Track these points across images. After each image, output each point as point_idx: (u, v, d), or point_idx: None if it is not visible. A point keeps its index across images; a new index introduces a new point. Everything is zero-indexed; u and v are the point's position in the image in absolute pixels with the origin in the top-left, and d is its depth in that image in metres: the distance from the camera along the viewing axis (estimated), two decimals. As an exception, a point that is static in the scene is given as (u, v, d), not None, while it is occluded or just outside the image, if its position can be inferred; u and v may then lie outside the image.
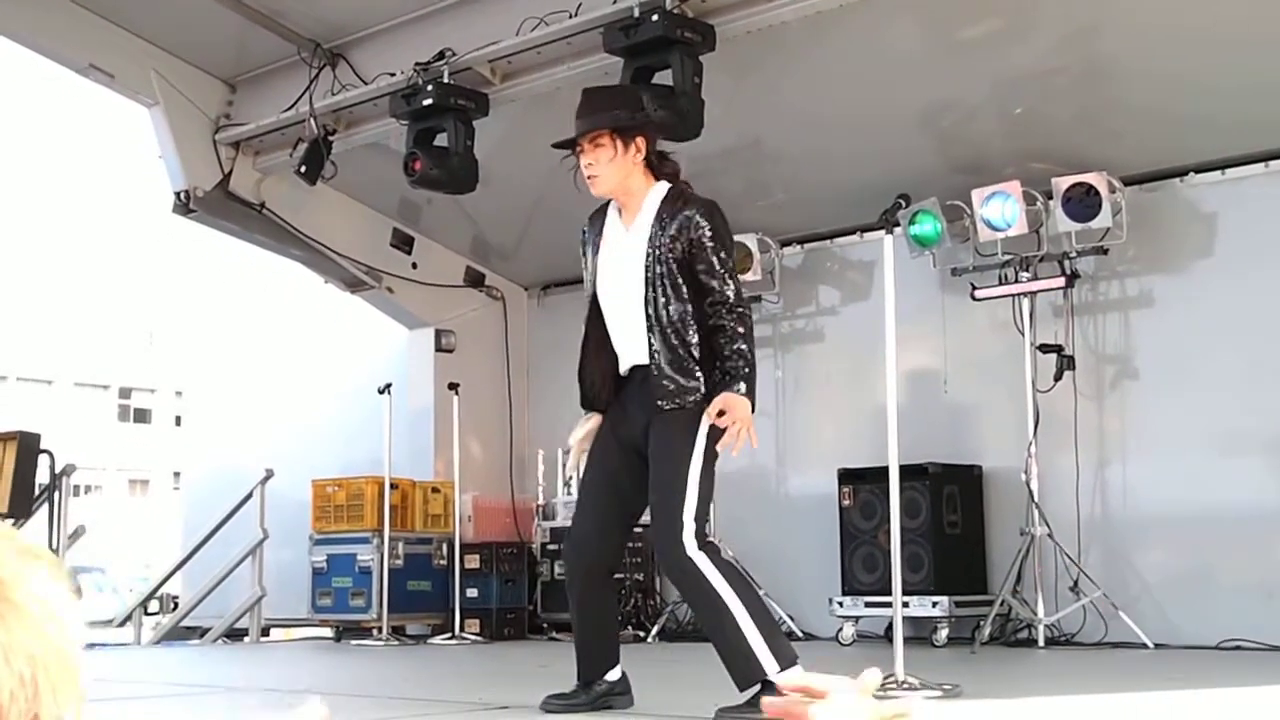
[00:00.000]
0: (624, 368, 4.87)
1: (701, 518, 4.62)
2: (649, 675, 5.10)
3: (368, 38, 9.17)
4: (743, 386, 4.62)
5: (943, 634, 8.20)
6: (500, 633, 9.88)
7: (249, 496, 10.46)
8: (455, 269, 11.20)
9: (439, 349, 10.92)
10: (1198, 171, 8.29)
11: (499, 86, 8.46)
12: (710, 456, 4.68)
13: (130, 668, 7.91)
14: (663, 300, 4.72)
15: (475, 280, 11.31)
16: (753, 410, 4.66)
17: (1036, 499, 8.14)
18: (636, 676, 4.95)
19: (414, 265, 10.87)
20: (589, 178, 4.85)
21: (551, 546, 10.09)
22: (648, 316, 4.73)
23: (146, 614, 11.67)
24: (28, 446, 9.62)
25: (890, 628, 5.81)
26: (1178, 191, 8.38)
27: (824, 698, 1.10)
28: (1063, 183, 8.07)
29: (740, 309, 4.72)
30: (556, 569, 9.95)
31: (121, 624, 11.34)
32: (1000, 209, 8.29)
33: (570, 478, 5.03)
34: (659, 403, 4.68)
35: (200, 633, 10.86)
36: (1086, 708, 5.40)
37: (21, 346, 42.39)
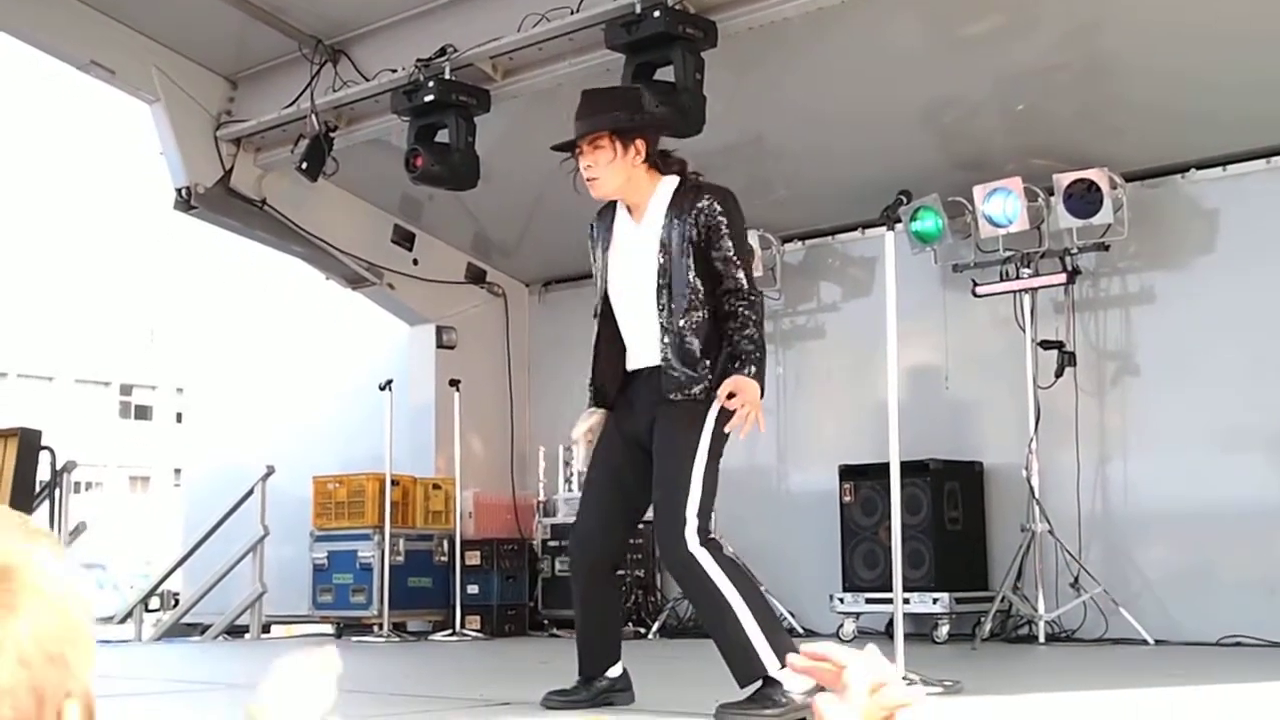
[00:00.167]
0: (632, 364, 4.86)
1: (705, 514, 4.61)
2: (650, 671, 5.10)
3: (369, 34, 9.17)
4: (752, 370, 4.62)
5: (943, 630, 8.21)
6: (501, 629, 9.89)
7: (250, 493, 10.46)
8: (456, 265, 11.20)
9: (440, 345, 10.92)
10: (1199, 168, 8.28)
11: (500, 83, 8.46)
12: (715, 453, 4.67)
13: (131, 664, 7.91)
14: (675, 295, 4.71)
15: (476, 277, 11.31)
16: (761, 396, 4.65)
17: (1037, 495, 8.14)
18: (637, 673, 4.95)
19: (415, 261, 10.87)
20: (588, 180, 4.83)
21: (552, 543, 10.10)
22: (660, 311, 4.72)
23: (147, 611, 11.67)
24: (28, 443, 9.61)
25: (891, 624, 5.81)
26: (1179, 188, 8.38)
27: (842, 669, 1.09)
28: (1064, 179, 8.07)
29: (752, 297, 4.72)
30: (557, 565, 9.96)
31: (122, 621, 11.34)
32: (1002, 205, 8.29)
33: (581, 471, 5.02)
34: (668, 394, 4.67)
35: (201, 629, 10.86)
36: (1087, 704, 5.40)
37: (22, 343, 42.40)
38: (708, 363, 4.68)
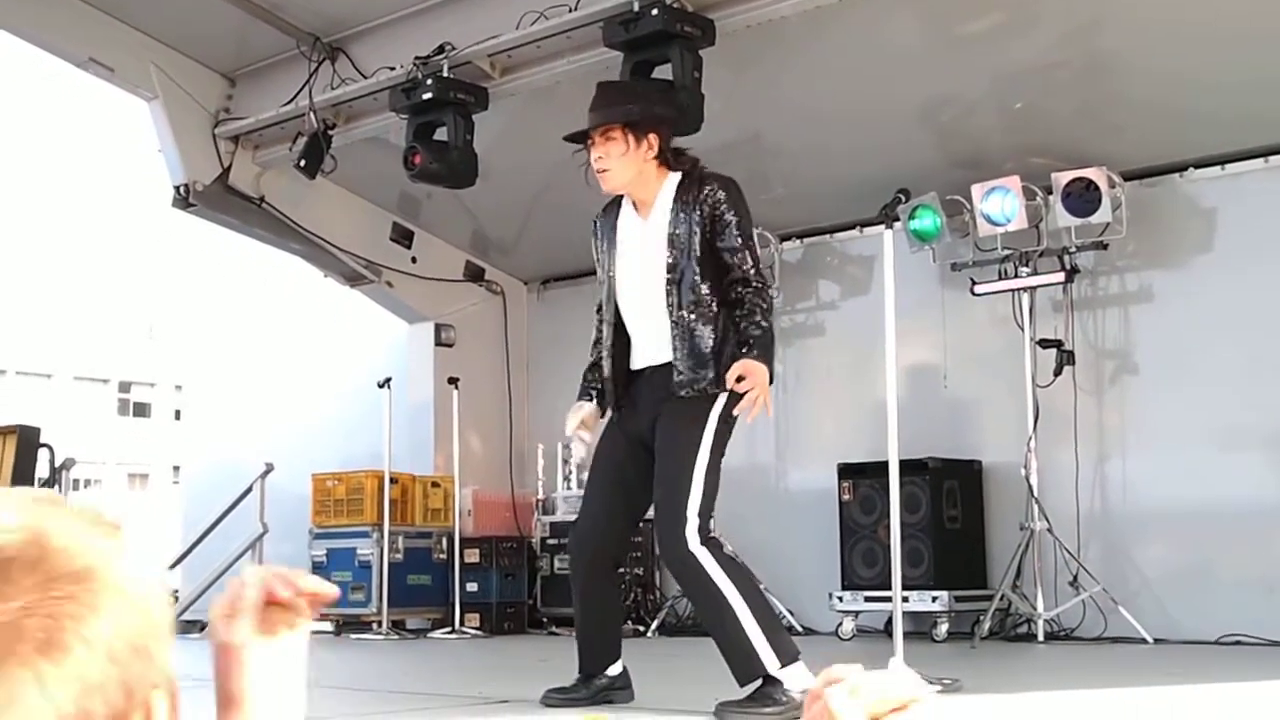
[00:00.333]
0: (638, 362, 4.85)
1: (706, 513, 4.61)
2: (649, 670, 5.10)
3: (367, 31, 9.16)
4: (760, 355, 4.60)
5: (942, 629, 8.21)
6: (500, 627, 9.89)
7: (249, 490, 10.46)
8: (455, 263, 11.19)
9: (439, 343, 10.91)
10: (1197, 166, 8.29)
11: (499, 80, 8.46)
12: (718, 452, 4.67)
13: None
14: (684, 290, 4.71)
15: (475, 274, 11.31)
16: (770, 381, 4.64)
17: (1036, 494, 8.14)
18: (636, 671, 4.96)
19: (413, 259, 10.87)
20: (599, 172, 4.81)
21: (551, 541, 10.10)
22: (669, 307, 4.71)
23: (146, 608, 11.66)
24: (27, 440, 9.60)
25: (890, 622, 5.81)
26: (1177, 186, 8.38)
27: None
28: (1062, 178, 8.07)
29: (759, 284, 4.72)
30: (556, 563, 9.96)
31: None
32: (1000, 204, 8.28)
33: (579, 466, 5.04)
34: (678, 391, 4.67)
35: (200, 627, 10.84)
36: (1086, 703, 5.40)
37: (21, 340, 42.40)
38: (714, 359, 4.67)
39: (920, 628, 8.23)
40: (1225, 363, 8.04)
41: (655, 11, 7.21)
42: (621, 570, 6.88)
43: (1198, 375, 8.13)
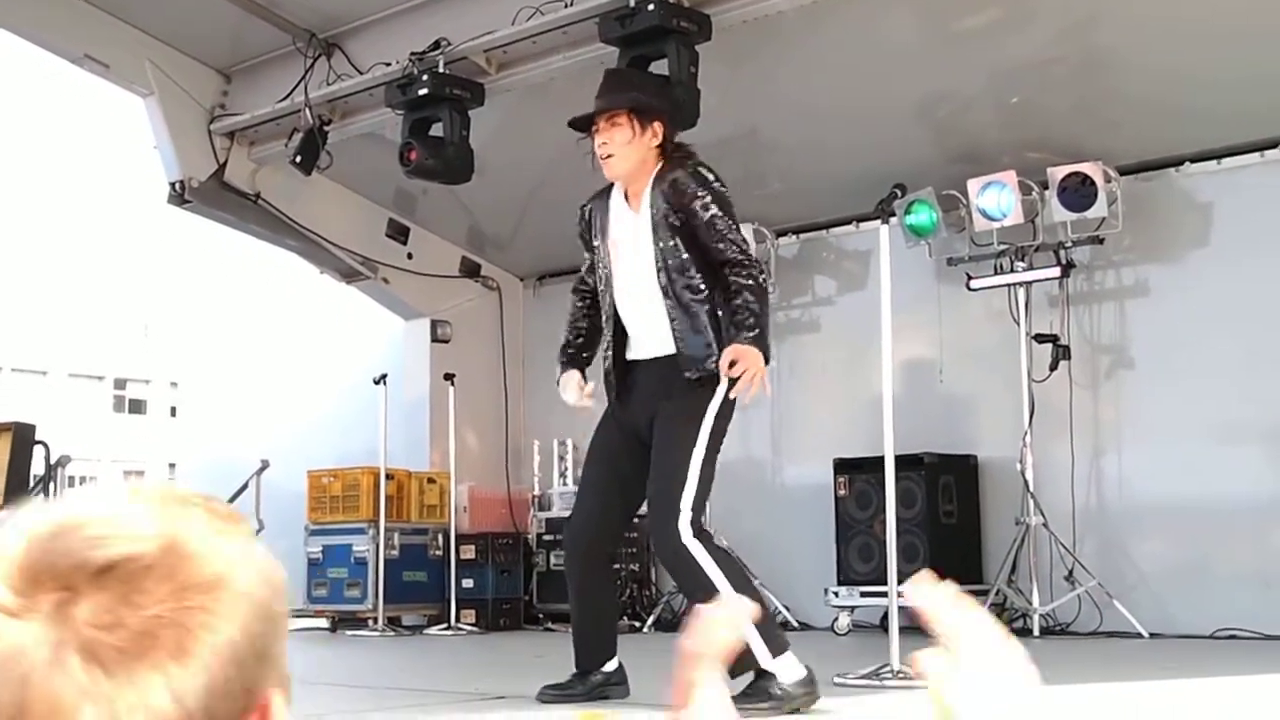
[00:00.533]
0: (635, 354, 4.85)
1: (700, 506, 4.62)
2: (644, 665, 5.10)
3: (363, 27, 9.15)
4: (750, 335, 4.58)
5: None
6: (496, 623, 9.89)
7: (244, 487, 10.45)
8: (451, 259, 11.19)
9: (434, 339, 10.90)
10: (1193, 161, 8.29)
11: (494, 76, 8.45)
12: (714, 446, 4.67)
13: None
14: (674, 276, 4.71)
15: (471, 270, 11.31)
16: (766, 361, 4.62)
17: (1032, 489, 8.14)
18: (632, 666, 4.96)
19: (409, 255, 10.86)
20: (604, 158, 4.80)
21: (547, 537, 10.10)
22: (665, 294, 4.72)
23: (142, 605, 11.65)
24: (23, 437, 9.61)
25: (886, 617, 5.81)
26: (1173, 181, 8.38)
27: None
28: (1058, 172, 8.07)
29: (747, 266, 4.69)
30: (552, 559, 9.96)
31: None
32: (996, 199, 8.29)
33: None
34: (685, 371, 4.66)
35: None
36: (1081, 697, 5.40)
37: (16, 337, 42.37)
38: (712, 342, 4.67)
39: (916, 623, 8.20)
40: (1221, 357, 8.04)
41: (651, 6, 7.20)
42: (617, 566, 6.88)
43: (1194, 370, 8.13)
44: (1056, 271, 8.30)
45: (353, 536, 10.00)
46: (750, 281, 4.67)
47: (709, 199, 4.71)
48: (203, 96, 9.83)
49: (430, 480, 10.44)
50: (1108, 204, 8.03)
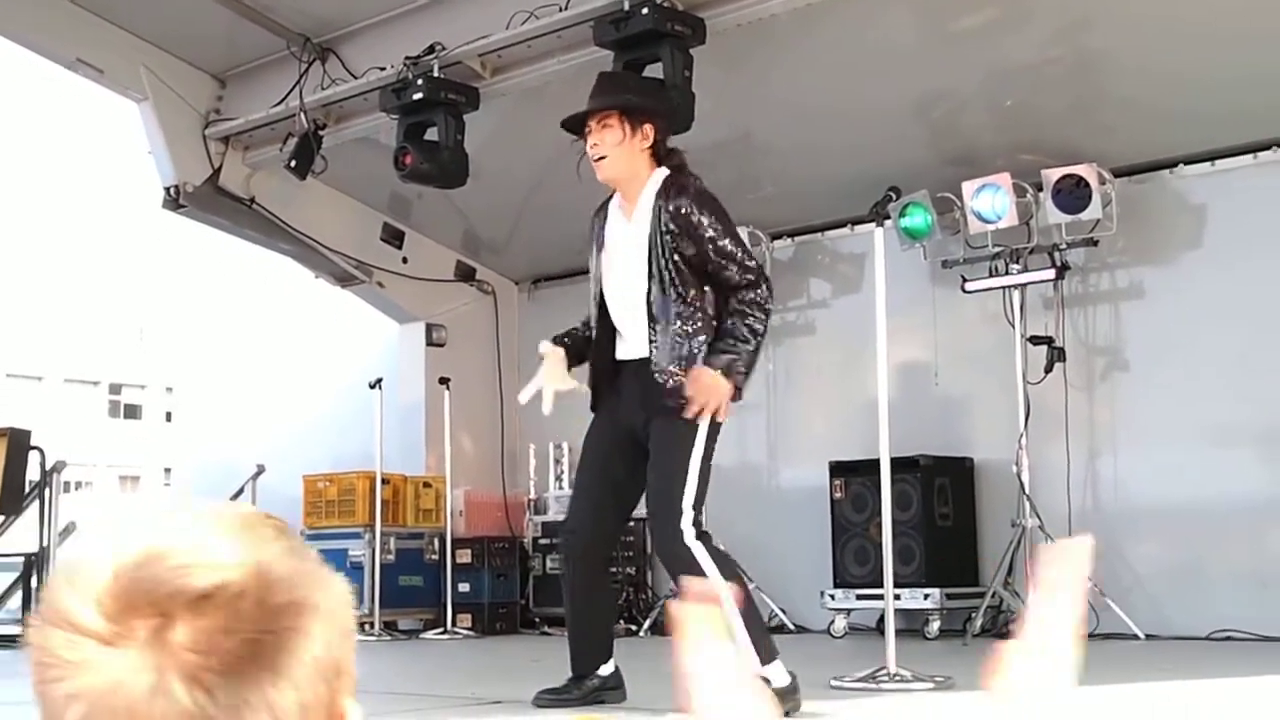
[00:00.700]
0: (623, 354, 4.85)
1: (699, 506, 4.62)
2: (641, 669, 5.10)
3: (357, 32, 9.15)
4: (722, 362, 4.59)
5: (934, 626, 8.21)
6: (492, 627, 9.88)
7: (240, 492, 10.46)
8: (446, 263, 11.19)
9: (430, 343, 10.90)
10: (1187, 163, 8.30)
11: (489, 80, 8.45)
12: (711, 445, 4.68)
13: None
14: (663, 292, 4.70)
15: (466, 274, 11.30)
16: (740, 385, 4.62)
17: (1027, 491, 8.15)
18: (628, 670, 4.96)
19: (404, 260, 10.86)
20: (595, 160, 4.80)
21: (543, 541, 10.10)
22: (648, 307, 4.72)
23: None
24: (18, 443, 9.60)
25: (882, 620, 5.82)
26: (1167, 183, 8.39)
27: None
28: (1052, 174, 8.08)
29: (752, 292, 4.67)
30: (548, 563, 9.96)
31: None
32: (990, 201, 8.29)
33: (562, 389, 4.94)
34: (661, 399, 4.67)
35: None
36: (1078, 699, 5.40)
37: (11, 343, 42.31)
38: (699, 357, 4.67)
39: (912, 625, 8.23)
40: (1216, 358, 8.05)
41: (645, 10, 7.21)
42: (613, 569, 6.88)
43: (1188, 371, 8.14)
44: (1051, 274, 8.30)
45: (348, 541, 9.99)
46: (753, 310, 4.66)
47: (714, 226, 4.70)
48: (197, 101, 9.82)
49: (426, 484, 10.44)
50: (1102, 206, 8.03)
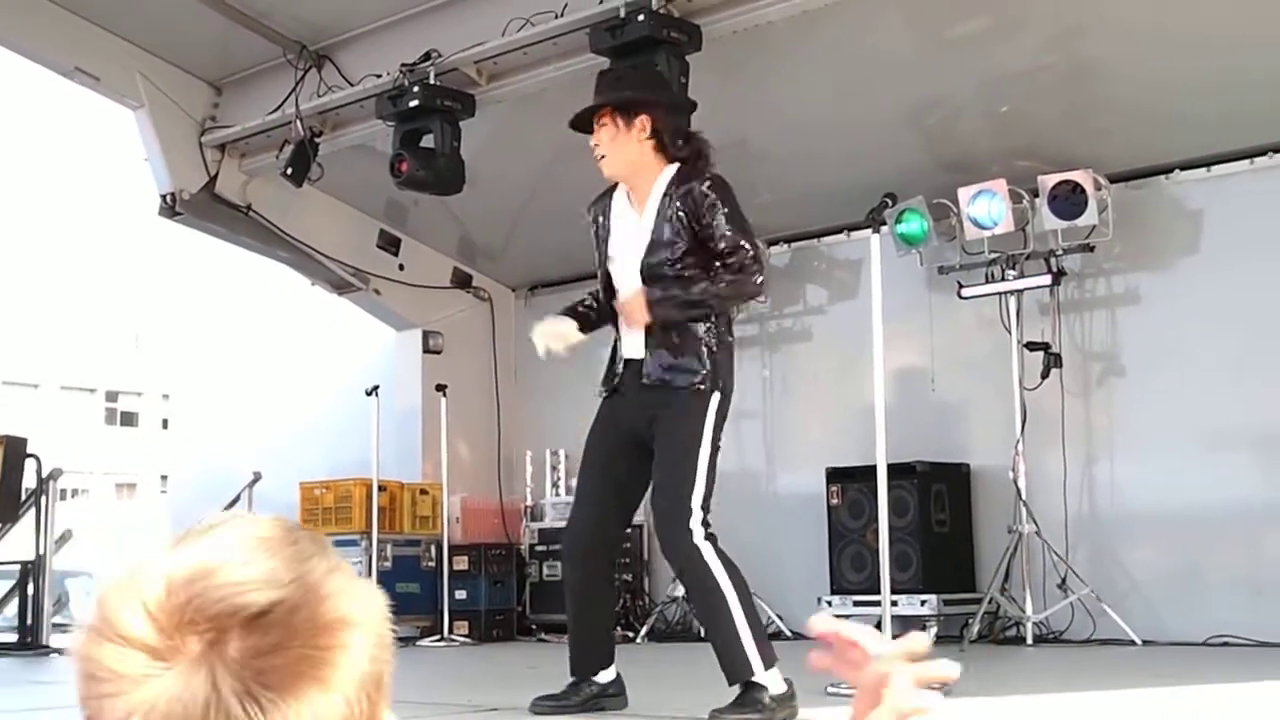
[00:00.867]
0: (626, 353, 4.84)
1: (707, 505, 4.62)
2: (639, 675, 5.10)
3: (353, 39, 9.16)
4: (661, 294, 4.63)
5: (931, 632, 8.21)
6: (489, 634, 9.88)
7: (236, 499, 10.43)
8: (442, 270, 11.19)
9: (426, 350, 10.90)
10: (1183, 169, 8.30)
11: (485, 87, 8.45)
12: (716, 444, 4.67)
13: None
14: (667, 288, 4.70)
15: (462, 281, 11.30)
16: (654, 319, 4.64)
17: (1024, 497, 8.15)
18: (627, 677, 4.95)
19: (401, 267, 10.86)
20: (598, 160, 4.83)
21: (540, 547, 10.09)
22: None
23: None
24: (14, 450, 9.59)
25: (879, 626, 5.81)
26: (1163, 189, 8.40)
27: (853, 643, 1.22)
28: (1049, 180, 8.09)
29: (733, 259, 4.67)
30: (545, 570, 9.96)
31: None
32: (986, 207, 8.30)
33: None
34: (658, 390, 4.66)
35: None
36: (1075, 705, 5.41)
37: (7, 350, 42.28)
38: (702, 356, 4.66)
39: (909, 631, 8.22)
40: (1212, 364, 8.06)
41: (641, 17, 7.21)
42: (614, 574, 6.85)
43: (1185, 377, 8.15)
44: (1047, 279, 8.31)
45: (345, 548, 9.97)
46: (741, 271, 4.66)
47: (724, 207, 4.71)
48: (193, 109, 9.82)
49: (423, 491, 10.43)
50: (1098, 212, 8.04)
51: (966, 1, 7.71)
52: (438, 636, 9.69)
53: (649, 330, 4.70)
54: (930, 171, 8.62)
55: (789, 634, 8.85)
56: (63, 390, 45.12)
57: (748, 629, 4.50)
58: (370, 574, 9.71)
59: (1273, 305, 7.90)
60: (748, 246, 4.69)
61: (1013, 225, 8.28)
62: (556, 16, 7.78)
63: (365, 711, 0.95)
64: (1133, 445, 8.34)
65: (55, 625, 9.68)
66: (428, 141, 8.44)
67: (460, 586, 9.95)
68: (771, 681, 4.50)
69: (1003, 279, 8.46)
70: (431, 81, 8.32)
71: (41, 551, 9.48)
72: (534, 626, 10.01)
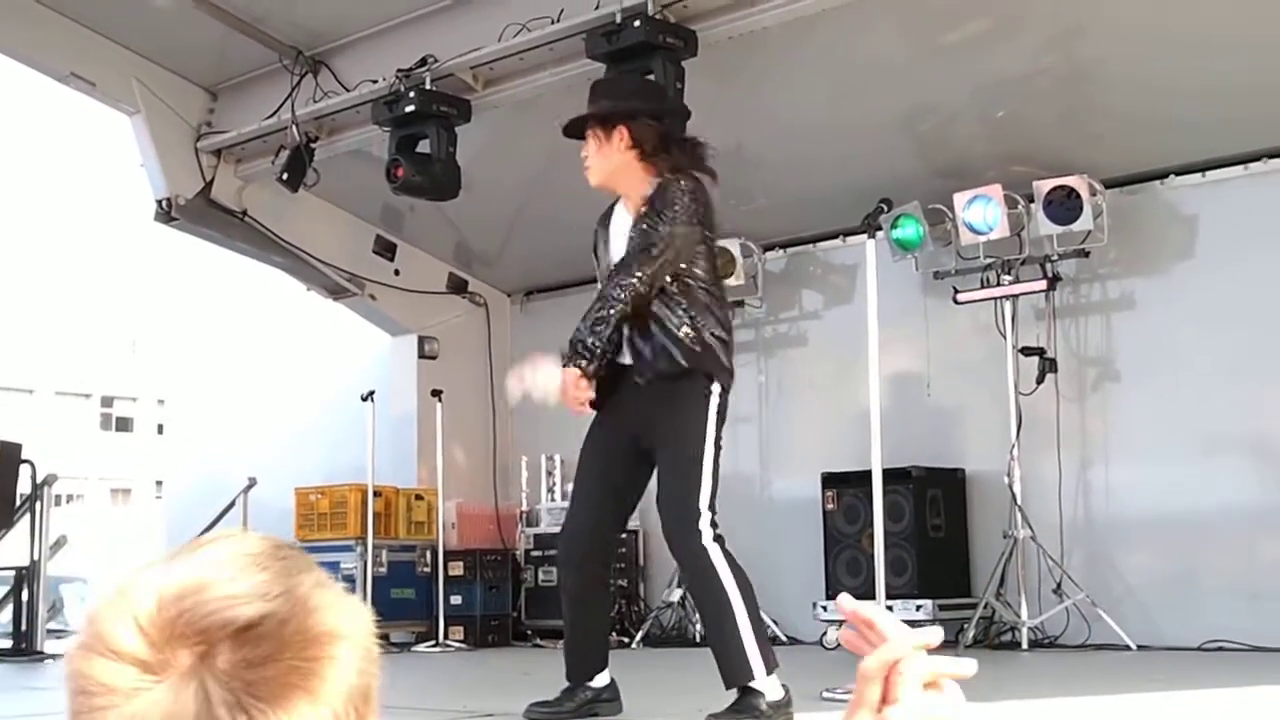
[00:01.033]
0: (625, 358, 4.84)
1: (713, 505, 4.62)
2: (634, 680, 5.10)
3: (349, 44, 9.16)
4: (570, 354, 4.61)
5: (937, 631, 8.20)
6: (484, 640, 9.87)
7: (232, 505, 10.42)
8: (438, 275, 11.19)
9: (422, 356, 10.90)
10: (1178, 174, 8.32)
11: (481, 93, 8.46)
12: (718, 443, 4.67)
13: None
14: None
15: (458, 287, 11.30)
16: (575, 366, 4.59)
17: (1019, 502, 8.15)
18: (622, 682, 4.95)
19: (396, 272, 10.86)
20: (585, 169, 4.86)
21: (535, 553, 10.09)
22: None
23: (130, 623, 11.60)
24: (9, 456, 9.58)
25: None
26: (1158, 194, 8.41)
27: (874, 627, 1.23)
28: (1044, 186, 8.10)
29: (623, 269, 4.62)
30: (541, 575, 9.95)
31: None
32: (982, 212, 8.31)
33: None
34: (653, 388, 4.66)
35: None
36: (1070, 710, 5.41)
37: (2, 355, 42.24)
38: (685, 353, 4.66)
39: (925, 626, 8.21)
40: (1207, 369, 8.07)
41: (637, 23, 7.22)
42: (610, 580, 6.85)
43: (1180, 382, 8.15)
44: (1043, 284, 8.32)
45: (340, 554, 9.97)
46: (615, 277, 4.62)
47: (680, 201, 4.67)
48: (189, 114, 9.82)
49: (418, 497, 10.42)
50: (1093, 217, 8.05)
51: (962, 7, 7.72)
52: (433, 642, 9.68)
53: (629, 338, 4.70)
54: (925, 177, 8.63)
55: (784, 639, 8.84)
56: (58, 395, 45.09)
57: (751, 633, 4.50)
58: (365, 579, 9.71)
59: (1268, 310, 7.91)
60: (648, 248, 4.61)
61: (1008, 230, 8.29)
62: (552, 22, 7.79)
63: None
64: (1128, 450, 8.35)
65: (49, 631, 9.67)
66: (423, 147, 8.44)
67: (455, 592, 9.94)
68: (769, 687, 4.50)
69: (998, 284, 8.47)
70: (427, 87, 8.33)
71: (36, 557, 9.46)
72: (529, 632, 10.00)
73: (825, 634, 8.56)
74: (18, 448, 9.63)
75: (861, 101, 8.34)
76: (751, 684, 4.48)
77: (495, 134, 8.98)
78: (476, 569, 10.02)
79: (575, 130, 4.90)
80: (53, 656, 8.99)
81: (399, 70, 8.41)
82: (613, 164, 4.79)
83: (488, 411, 11.11)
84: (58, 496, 10.40)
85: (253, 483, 10.32)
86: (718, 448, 4.67)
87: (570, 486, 5.23)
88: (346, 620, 0.99)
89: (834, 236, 9.58)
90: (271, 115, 9.28)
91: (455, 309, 11.27)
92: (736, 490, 9.48)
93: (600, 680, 4.88)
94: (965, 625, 7.97)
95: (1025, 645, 7.96)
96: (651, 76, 7.26)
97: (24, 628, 9.38)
